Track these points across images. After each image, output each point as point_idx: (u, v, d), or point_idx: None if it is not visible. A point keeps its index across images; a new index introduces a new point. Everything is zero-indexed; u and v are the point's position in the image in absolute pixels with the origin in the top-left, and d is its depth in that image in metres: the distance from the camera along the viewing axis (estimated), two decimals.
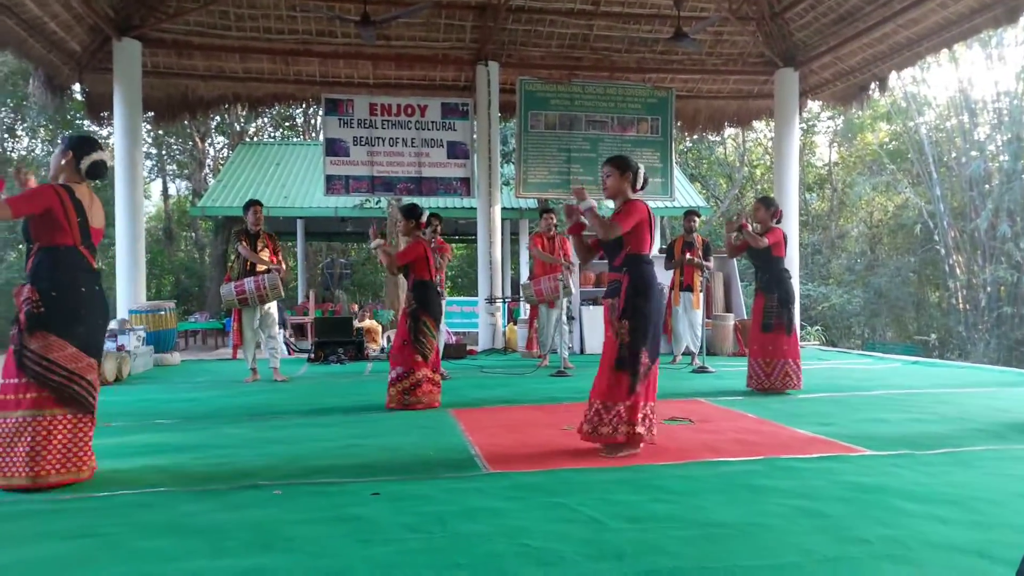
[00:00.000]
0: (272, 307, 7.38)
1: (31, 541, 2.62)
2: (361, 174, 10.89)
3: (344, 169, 10.83)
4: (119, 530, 2.71)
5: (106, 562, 2.41)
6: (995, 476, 3.38)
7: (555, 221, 8.40)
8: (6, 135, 23.20)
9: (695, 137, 15.50)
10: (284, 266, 7.43)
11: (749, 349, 6.44)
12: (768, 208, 6.32)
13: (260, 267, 7.19)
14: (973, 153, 19.85)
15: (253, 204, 7.36)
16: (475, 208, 11.43)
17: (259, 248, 7.26)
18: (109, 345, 7.79)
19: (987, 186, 19.50)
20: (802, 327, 15.30)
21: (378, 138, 10.88)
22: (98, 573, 2.33)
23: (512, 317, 12.84)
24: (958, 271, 19.96)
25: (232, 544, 2.56)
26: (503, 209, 12.63)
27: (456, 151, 11.12)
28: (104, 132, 14.45)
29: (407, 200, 11.97)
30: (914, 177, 22.08)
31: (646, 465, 3.66)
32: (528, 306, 9.31)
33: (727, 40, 11.59)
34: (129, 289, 9.66)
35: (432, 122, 11.05)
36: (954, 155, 20.72)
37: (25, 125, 22.95)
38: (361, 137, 10.84)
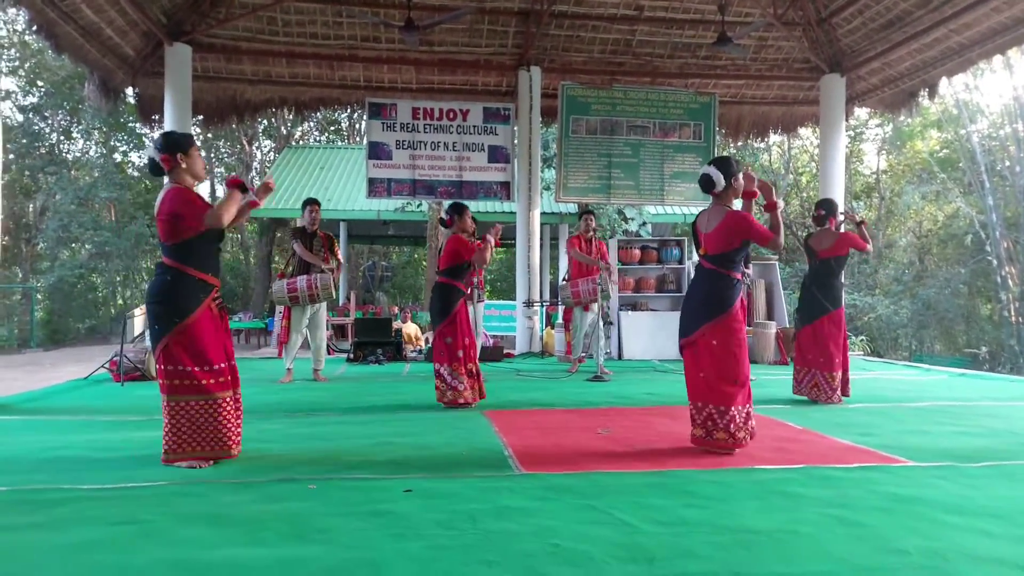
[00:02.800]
0: (322, 309, 7.34)
1: (74, 526, 2.70)
2: (403, 177, 10.99)
3: (386, 172, 10.95)
4: (159, 518, 2.78)
5: (145, 548, 2.48)
6: None
7: (594, 224, 8.33)
8: (62, 137, 23.99)
9: (739, 143, 15.28)
10: (340, 265, 7.38)
11: (844, 357, 6.11)
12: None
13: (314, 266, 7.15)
14: None
15: (310, 203, 7.25)
16: (515, 212, 11.46)
17: (315, 248, 7.20)
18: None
19: None
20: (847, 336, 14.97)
21: (420, 142, 10.98)
22: (137, 558, 2.39)
23: (550, 321, 12.83)
24: (1011, 283, 19.38)
25: (268, 535, 2.61)
26: (542, 214, 12.63)
27: (497, 155, 11.17)
28: (155, 135, 14.83)
29: (447, 203, 12.04)
30: (965, 186, 21.52)
31: (680, 470, 3.63)
32: (563, 309, 9.25)
33: (772, 45, 11.45)
34: None
35: (474, 126, 11.11)
36: (1008, 164, 20.15)
37: (80, 127, 23.72)
38: (404, 141, 10.95)
